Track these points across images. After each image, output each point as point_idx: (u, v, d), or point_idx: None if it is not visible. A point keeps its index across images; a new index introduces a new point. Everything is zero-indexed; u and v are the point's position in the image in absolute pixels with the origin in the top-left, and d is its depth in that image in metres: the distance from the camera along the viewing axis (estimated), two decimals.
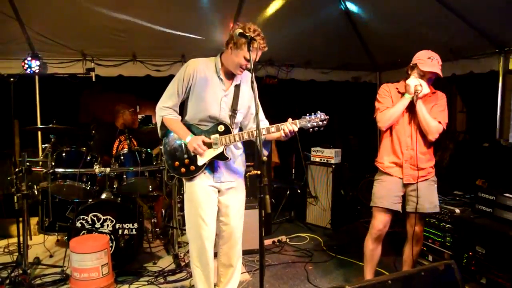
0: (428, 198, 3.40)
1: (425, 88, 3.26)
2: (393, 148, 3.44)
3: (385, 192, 3.45)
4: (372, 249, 3.55)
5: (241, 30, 2.69)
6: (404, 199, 3.47)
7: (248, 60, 2.75)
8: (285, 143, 3.10)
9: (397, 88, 3.46)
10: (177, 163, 3.07)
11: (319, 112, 2.92)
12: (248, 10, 5.13)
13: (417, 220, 3.44)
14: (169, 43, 5.68)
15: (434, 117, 3.31)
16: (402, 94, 3.37)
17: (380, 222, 3.47)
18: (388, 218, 3.47)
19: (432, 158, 3.47)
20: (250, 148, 3.29)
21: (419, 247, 3.59)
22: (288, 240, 5.19)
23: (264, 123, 3.15)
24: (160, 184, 4.55)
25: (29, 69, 5.25)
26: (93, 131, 5.00)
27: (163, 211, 5.34)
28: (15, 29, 4.94)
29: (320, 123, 2.89)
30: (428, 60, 3.26)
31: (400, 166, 3.40)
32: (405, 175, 3.38)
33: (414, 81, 3.29)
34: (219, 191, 3.13)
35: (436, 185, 3.49)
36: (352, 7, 5.39)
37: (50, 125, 4.49)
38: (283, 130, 2.84)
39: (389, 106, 3.41)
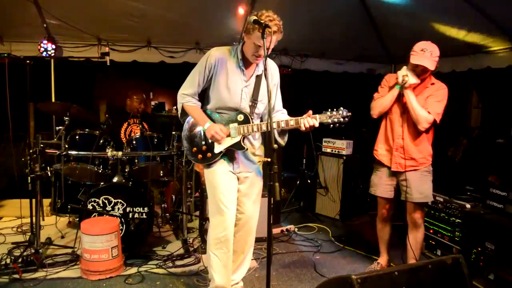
0: (418, 188, 3.51)
1: (411, 79, 3.37)
2: (386, 136, 3.62)
3: (377, 181, 3.70)
4: (380, 228, 3.94)
5: (255, 17, 2.66)
6: (399, 188, 3.62)
7: (261, 47, 2.74)
8: (296, 132, 3.09)
9: (397, 79, 3.53)
10: (194, 148, 3.09)
11: (341, 108, 2.82)
12: None
13: (411, 208, 3.60)
14: (183, 29, 5.68)
15: (426, 107, 3.37)
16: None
17: (381, 207, 3.83)
18: (386, 204, 3.75)
19: (425, 149, 3.52)
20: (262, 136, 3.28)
21: (420, 233, 3.69)
22: (296, 229, 5.20)
23: (282, 112, 3.15)
24: (171, 170, 4.59)
25: (45, 52, 5.27)
26: (106, 115, 5.04)
27: (173, 197, 5.38)
28: (32, 12, 4.96)
29: (342, 119, 2.80)
30: (420, 52, 3.32)
31: (391, 154, 3.54)
32: (393, 162, 3.54)
33: (401, 72, 3.42)
34: (238, 179, 3.13)
35: (430, 176, 3.57)
36: None
37: None
38: (304, 124, 2.80)
39: (384, 95, 3.59)
